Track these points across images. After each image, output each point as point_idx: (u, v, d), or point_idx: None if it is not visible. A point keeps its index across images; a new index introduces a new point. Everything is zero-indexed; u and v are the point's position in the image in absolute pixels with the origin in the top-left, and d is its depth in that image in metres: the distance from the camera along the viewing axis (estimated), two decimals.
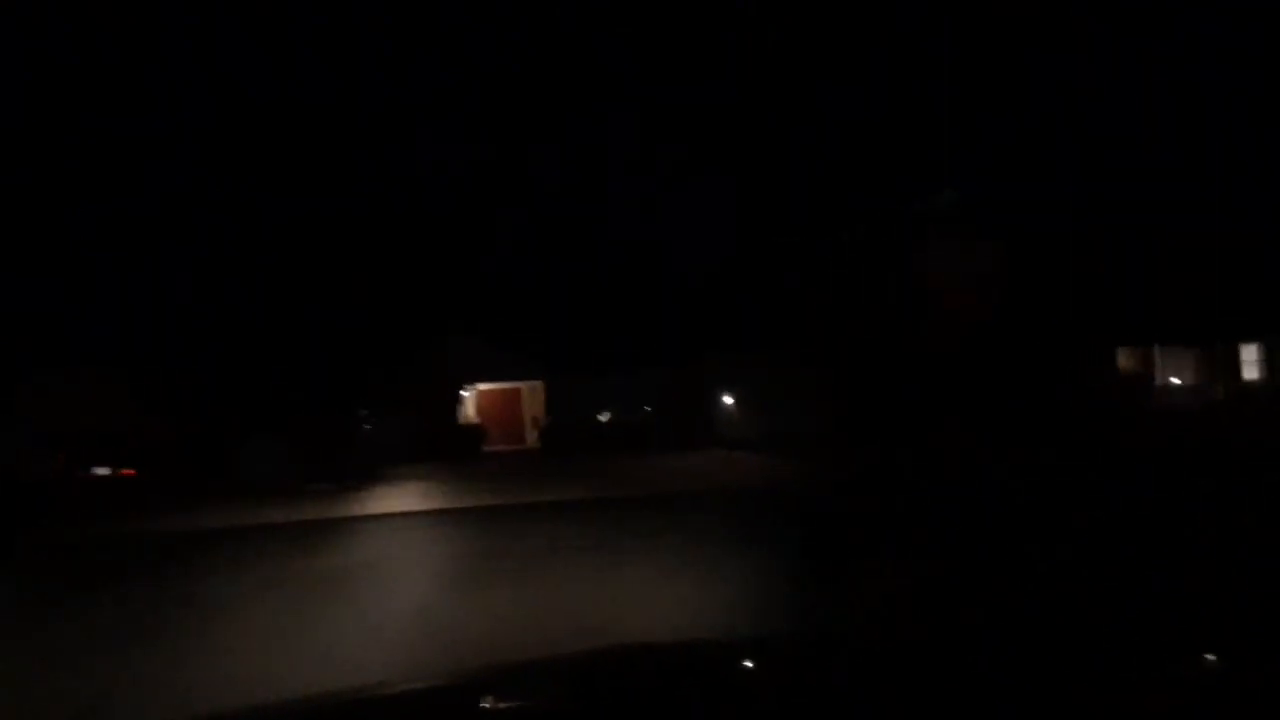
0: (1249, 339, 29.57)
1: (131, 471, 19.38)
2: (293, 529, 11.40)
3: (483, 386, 27.42)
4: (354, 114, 27.34)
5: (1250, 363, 29.84)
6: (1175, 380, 30.19)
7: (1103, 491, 10.78)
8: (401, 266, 27.22)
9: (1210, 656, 1.44)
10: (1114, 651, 1.47)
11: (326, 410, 22.66)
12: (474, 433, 25.29)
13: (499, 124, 32.03)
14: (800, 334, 24.53)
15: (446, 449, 23.31)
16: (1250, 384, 28.98)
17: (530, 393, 27.96)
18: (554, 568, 7.86)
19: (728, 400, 23.64)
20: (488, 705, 1.50)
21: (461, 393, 26.66)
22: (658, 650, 1.97)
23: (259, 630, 5.97)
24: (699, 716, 1.30)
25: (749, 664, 1.65)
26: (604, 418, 25.55)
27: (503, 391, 27.93)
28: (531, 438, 27.20)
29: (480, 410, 27.61)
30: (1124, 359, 29.80)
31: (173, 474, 18.81)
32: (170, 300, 23.04)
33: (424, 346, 26.05)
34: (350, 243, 26.15)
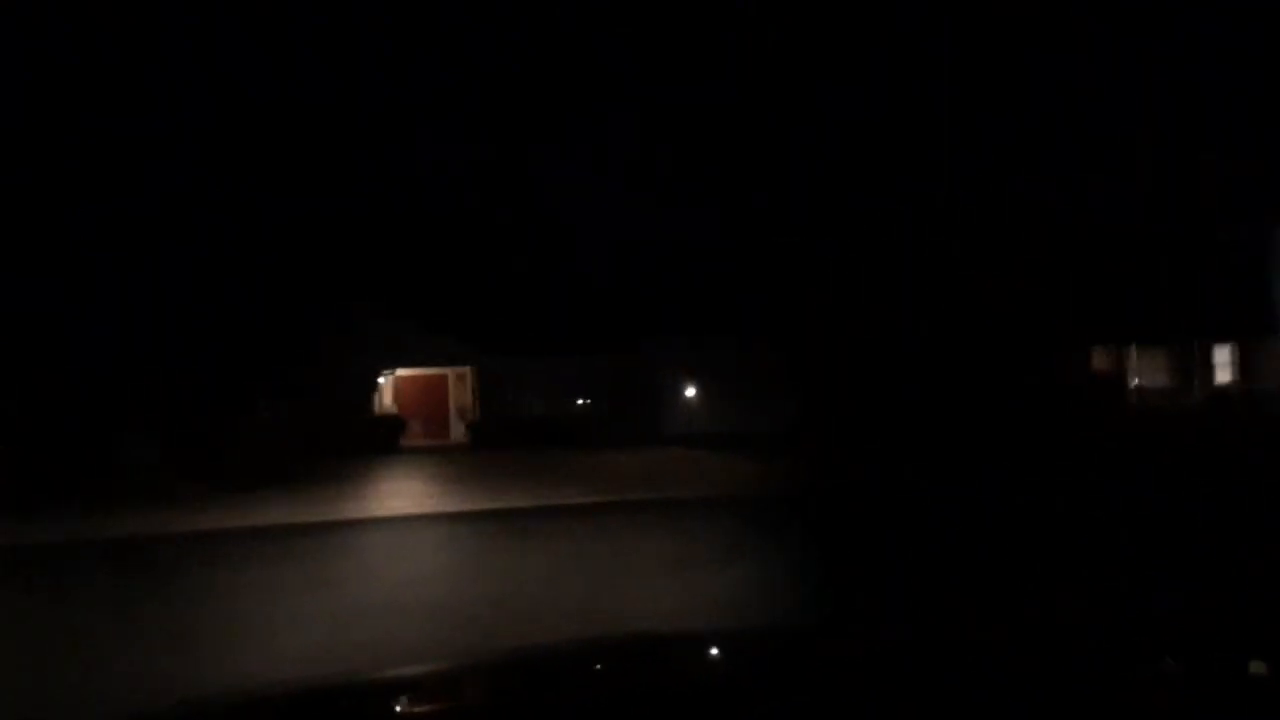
0: (1222, 340, 28.19)
1: None
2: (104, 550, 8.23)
3: (403, 372, 24.13)
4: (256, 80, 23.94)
5: (1223, 365, 28.47)
6: (1148, 383, 28.79)
7: (1085, 497, 10.10)
8: (309, 235, 23.72)
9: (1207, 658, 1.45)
10: (1106, 653, 1.46)
11: (211, 399, 19.23)
12: (391, 425, 22.09)
13: (420, 87, 28.83)
14: (782, 319, 21.98)
15: (358, 443, 20.06)
16: (1222, 387, 27.53)
17: (457, 380, 24.81)
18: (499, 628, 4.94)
19: (688, 392, 20.82)
20: (488, 690, 1.50)
21: (378, 379, 23.35)
22: (659, 640, 1.97)
23: None
24: (699, 705, 1.31)
25: (751, 655, 1.65)
26: (537, 411, 22.61)
27: (426, 378, 24.70)
28: (458, 431, 24.07)
29: (399, 399, 24.34)
30: (1097, 359, 28.27)
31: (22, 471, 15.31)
32: (26, 272, 19.19)
33: (335, 326, 22.61)
34: (248, 207, 22.58)
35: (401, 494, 12.73)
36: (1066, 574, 6.12)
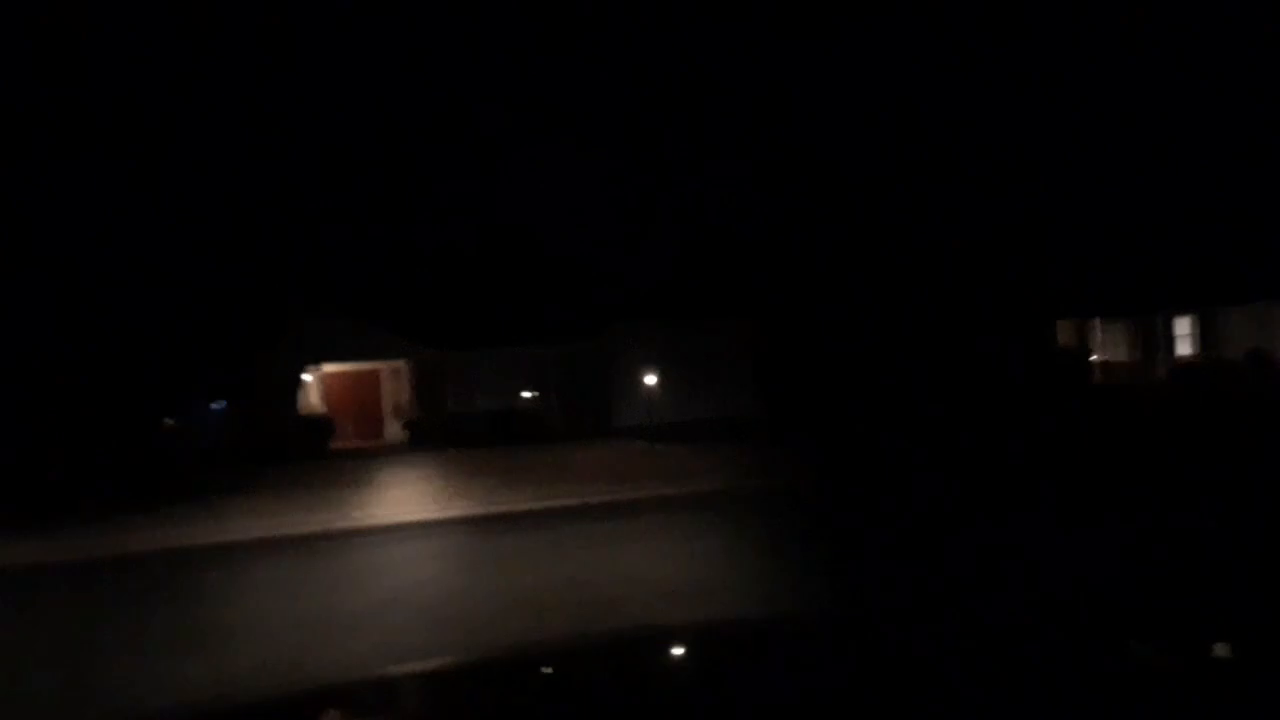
0: (1183, 312, 27.62)
1: None
2: None
3: (330, 368, 22.11)
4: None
5: (1183, 337, 27.89)
6: (1110, 357, 28.18)
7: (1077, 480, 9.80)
8: (223, 223, 21.55)
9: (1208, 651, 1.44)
10: (1103, 646, 1.44)
11: (121, 408, 17.11)
12: (318, 426, 20.11)
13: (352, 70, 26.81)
14: (756, 301, 20.56)
15: (283, 448, 18.11)
16: (1183, 359, 26.96)
17: (391, 375, 22.88)
18: None
19: (648, 380, 19.21)
20: (494, 686, 1.47)
21: (303, 376, 21.32)
22: (661, 634, 1.98)
23: None
24: (699, 699, 1.30)
25: (750, 649, 1.64)
26: (482, 406, 20.85)
27: (356, 374, 22.71)
28: (394, 430, 22.19)
29: (328, 398, 22.33)
30: (1060, 334, 27.61)
31: None
32: None
33: (253, 321, 20.53)
34: (153, 193, 20.34)
35: (316, 506, 10.92)
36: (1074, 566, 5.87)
